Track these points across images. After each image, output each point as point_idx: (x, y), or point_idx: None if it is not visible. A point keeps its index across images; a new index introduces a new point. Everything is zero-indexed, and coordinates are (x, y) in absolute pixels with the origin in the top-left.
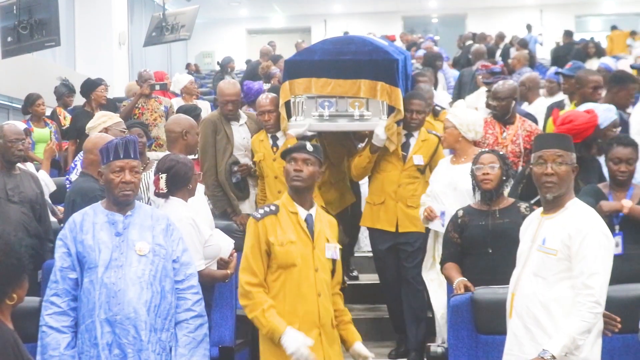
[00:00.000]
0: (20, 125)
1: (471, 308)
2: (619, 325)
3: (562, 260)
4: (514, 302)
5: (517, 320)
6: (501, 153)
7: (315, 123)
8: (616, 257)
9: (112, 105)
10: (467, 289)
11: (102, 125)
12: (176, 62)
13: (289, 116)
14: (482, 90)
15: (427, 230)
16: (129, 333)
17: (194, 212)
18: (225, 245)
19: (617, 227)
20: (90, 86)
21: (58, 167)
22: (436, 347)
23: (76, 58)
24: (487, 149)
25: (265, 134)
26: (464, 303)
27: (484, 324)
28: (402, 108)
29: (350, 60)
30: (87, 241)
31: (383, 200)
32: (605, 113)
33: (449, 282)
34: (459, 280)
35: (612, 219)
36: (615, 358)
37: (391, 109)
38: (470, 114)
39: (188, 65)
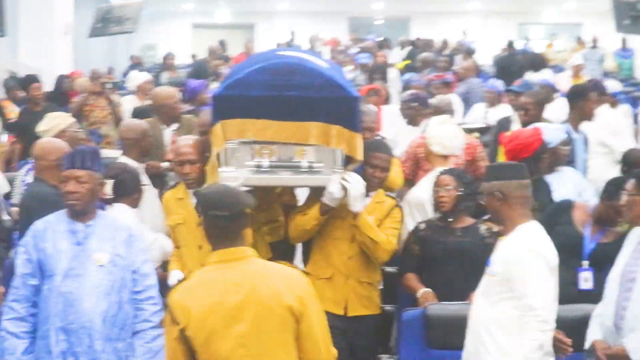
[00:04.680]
0: None
1: (423, 323)
2: (570, 349)
3: (501, 282)
4: (469, 319)
5: (469, 337)
6: (459, 171)
7: (251, 176)
8: (587, 292)
9: (60, 96)
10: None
11: (56, 128)
12: (119, 53)
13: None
14: None
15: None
16: (83, 342)
17: (140, 217)
18: (168, 247)
19: (585, 263)
20: (25, 82)
21: None
22: (387, 358)
23: (19, 47)
24: (446, 169)
25: (185, 191)
26: (416, 318)
27: (435, 339)
28: (362, 158)
29: (296, 97)
30: (48, 249)
31: (330, 275)
32: (554, 132)
33: (411, 292)
34: (425, 291)
35: (580, 254)
36: None
37: (347, 159)
38: (441, 128)
39: (132, 58)
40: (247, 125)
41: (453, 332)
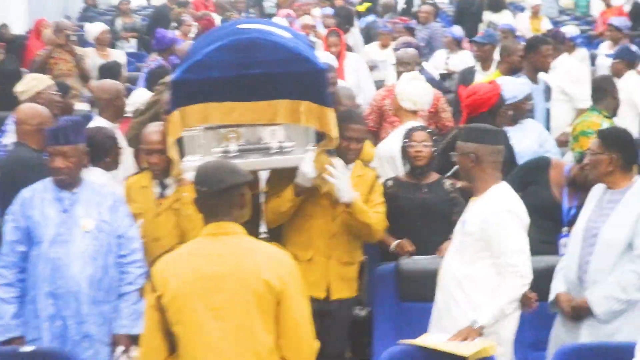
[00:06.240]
0: None
1: (395, 276)
2: (536, 304)
3: (478, 242)
4: (440, 275)
5: (439, 293)
6: (430, 130)
7: None
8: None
9: (15, 43)
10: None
11: (33, 89)
12: None
13: (181, 155)
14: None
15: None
16: (71, 306)
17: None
18: None
19: (565, 229)
20: None
21: None
22: (359, 310)
23: None
24: (419, 125)
25: (149, 179)
26: (388, 271)
27: (407, 292)
28: (336, 134)
29: (260, 75)
30: (35, 216)
31: (310, 257)
32: (520, 87)
33: (383, 246)
34: (399, 241)
35: (556, 218)
36: (525, 325)
37: (319, 136)
38: (411, 84)
39: (86, 0)
40: (210, 110)
41: (425, 285)
